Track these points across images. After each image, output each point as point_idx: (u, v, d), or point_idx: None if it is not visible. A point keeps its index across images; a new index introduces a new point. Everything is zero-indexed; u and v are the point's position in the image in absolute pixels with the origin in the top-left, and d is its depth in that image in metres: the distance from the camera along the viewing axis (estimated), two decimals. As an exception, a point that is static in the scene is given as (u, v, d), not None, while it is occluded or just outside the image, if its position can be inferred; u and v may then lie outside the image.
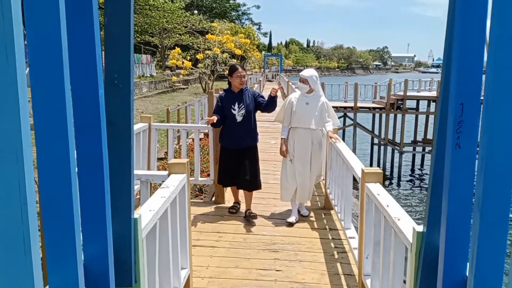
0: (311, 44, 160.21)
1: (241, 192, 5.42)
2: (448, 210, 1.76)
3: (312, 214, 5.48)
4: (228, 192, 5.84)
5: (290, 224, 5.09)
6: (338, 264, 4.12)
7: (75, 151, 1.53)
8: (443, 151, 1.83)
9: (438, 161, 1.91)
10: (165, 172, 3.39)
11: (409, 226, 2.32)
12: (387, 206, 2.70)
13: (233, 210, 5.44)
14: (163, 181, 3.18)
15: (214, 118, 4.89)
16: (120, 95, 1.95)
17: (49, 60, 1.32)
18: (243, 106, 5.02)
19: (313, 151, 5.12)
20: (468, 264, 1.73)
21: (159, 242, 2.59)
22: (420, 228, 2.12)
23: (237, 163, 5.12)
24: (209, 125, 5.15)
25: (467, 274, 1.75)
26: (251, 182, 5.15)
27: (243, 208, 5.42)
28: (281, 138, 5.21)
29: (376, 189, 3.05)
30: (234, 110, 5.00)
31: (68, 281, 1.51)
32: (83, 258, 1.70)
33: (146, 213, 2.38)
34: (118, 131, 1.97)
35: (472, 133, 1.67)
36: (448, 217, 1.77)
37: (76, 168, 1.55)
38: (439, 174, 1.91)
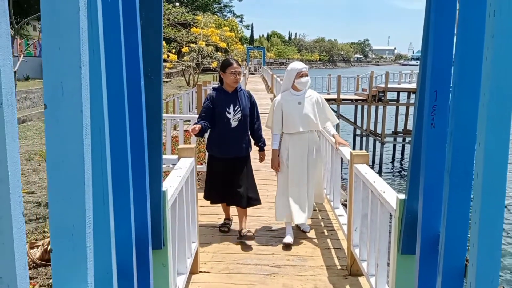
0: (293, 37, 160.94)
1: (233, 207, 4.72)
2: (425, 178, 2.18)
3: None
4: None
5: (287, 246, 4.34)
6: (329, 240, 4.55)
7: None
8: (420, 130, 2.25)
9: (416, 139, 2.33)
10: (175, 156, 3.77)
11: (392, 196, 2.74)
12: (374, 182, 3.12)
13: (225, 229, 4.67)
14: (173, 164, 3.56)
15: (196, 127, 4.12)
16: (153, 85, 2.32)
17: (115, 60, 1.69)
18: (239, 109, 4.30)
19: (310, 159, 4.42)
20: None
21: (178, 215, 2.97)
22: (402, 197, 2.54)
23: (228, 176, 4.39)
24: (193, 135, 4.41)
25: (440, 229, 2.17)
26: (247, 197, 4.43)
27: (236, 226, 4.70)
28: (273, 149, 4.46)
29: (363, 168, 3.47)
30: (229, 113, 4.28)
31: (125, 240, 1.90)
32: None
33: (168, 188, 2.75)
34: (150, 116, 2.33)
35: (443, 115, 2.09)
36: (425, 184, 2.19)
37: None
38: (417, 150, 2.32)
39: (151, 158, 2.35)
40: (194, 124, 4.25)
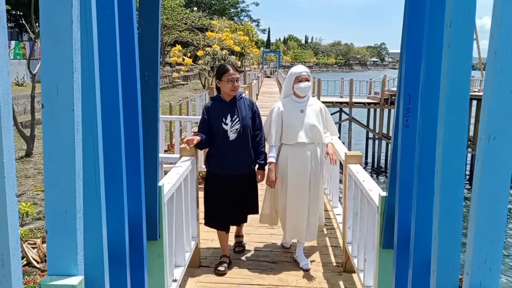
0: (309, 41, 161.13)
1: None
2: (401, 176, 2.33)
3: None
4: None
5: (285, 248, 4.46)
6: (327, 238, 4.71)
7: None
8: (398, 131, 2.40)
9: (395, 140, 2.48)
10: (177, 155, 3.96)
11: (377, 195, 2.88)
12: (363, 181, 3.27)
13: (221, 268, 3.89)
14: (175, 163, 3.76)
15: (195, 139, 3.72)
16: (150, 88, 2.51)
17: (111, 64, 1.88)
18: (237, 120, 3.82)
19: (312, 175, 3.96)
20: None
21: (176, 209, 3.16)
22: (384, 194, 2.69)
23: (229, 196, 3.90)
24: (189, 146, 3.77)
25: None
26: (246, 217, 4.17)
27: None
28: (269, 163, 3.99)
29: (356, 168, 3.62)
30: (226, 124, 3.80)
31: (118, 228, 2.08)
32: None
33: (166, 184, 2.94)
34: (147, 118, 2.52)
35: (417, 117, 2.23)
36: (401, 182, 2.34)
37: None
38: (396, 149, 2.47)
39: (147, 154, 2.53)
40: (196, 134, 3.89)
